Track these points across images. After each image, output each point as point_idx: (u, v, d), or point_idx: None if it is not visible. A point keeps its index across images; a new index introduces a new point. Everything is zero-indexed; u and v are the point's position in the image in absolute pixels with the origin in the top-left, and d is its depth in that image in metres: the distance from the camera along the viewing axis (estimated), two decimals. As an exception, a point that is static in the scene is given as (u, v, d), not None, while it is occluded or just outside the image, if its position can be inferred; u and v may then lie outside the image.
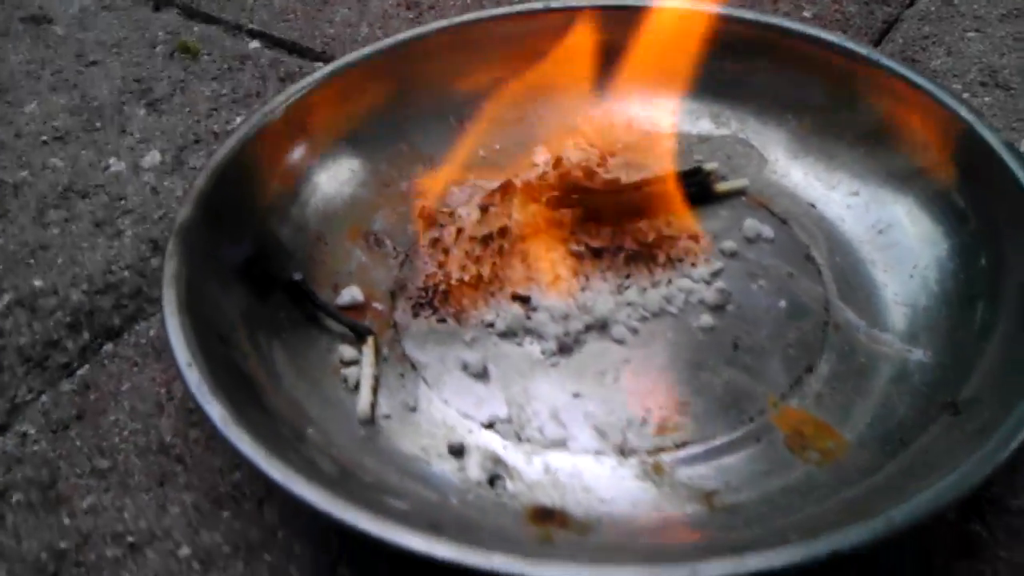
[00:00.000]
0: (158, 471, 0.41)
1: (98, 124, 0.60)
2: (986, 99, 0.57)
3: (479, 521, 0.33)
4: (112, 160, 0.57)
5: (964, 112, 0.41)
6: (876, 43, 0.63)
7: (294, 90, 0.45)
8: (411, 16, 0.68)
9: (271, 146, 0.44)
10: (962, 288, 0.38)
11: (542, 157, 0.48)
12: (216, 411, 0.32)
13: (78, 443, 0.42)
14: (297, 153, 0.45)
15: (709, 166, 0.47)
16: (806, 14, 0.65)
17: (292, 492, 0.30)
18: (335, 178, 0.46)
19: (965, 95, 0.57)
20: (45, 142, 0.59)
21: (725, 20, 0.48)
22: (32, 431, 0.43)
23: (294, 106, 0.45)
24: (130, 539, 0.38)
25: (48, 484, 0.41)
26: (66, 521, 0.39)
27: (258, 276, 0.42)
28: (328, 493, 0.30)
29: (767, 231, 0.44)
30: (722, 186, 0.46)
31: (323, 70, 0.46)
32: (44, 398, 0.44)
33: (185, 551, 0.38)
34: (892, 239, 0.42)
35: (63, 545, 0.39)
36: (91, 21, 0.71)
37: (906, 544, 0.35)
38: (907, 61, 0.60)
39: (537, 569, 0.27)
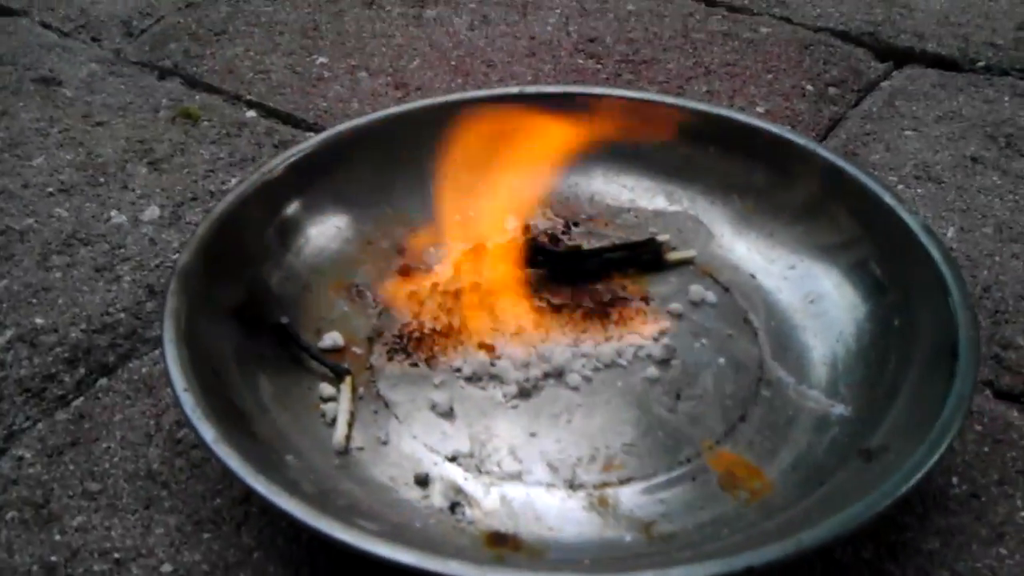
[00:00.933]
0: (145, 495, 0.44)
1: (102, 179, 0.65)
2: (919, 191, 0.63)
3: (440, 541, 0.37)
4: (114, 213, 0.61)
5: (887, 197, 0.46)
6: (822, 138, 0.69)
7: (291, 153, 0.50)
8: (399, 95, 0.73)
9: (267, 202, 0.49)
10: (878, 349, 0.43)
11: (512, 224, 0.53)
12: (208, 432, 0.36)
13: (71, 467, 0.46)
14: (290, 210, 0.49)
15: (661, 238, 0.52)
16: (759, 109, 0.71)
17: (273, 503, 0.34)
18: (323, 234, 0.51)
19: (900, 187, 0.63)
20: (51, 193, 0.63)
21: (681, 110, 0.54)
22: (28, 455, 0.46)
23: (290, 167, 0.49)
24: (116, 555, 0.42)
25: (41, 504, 0.44)
26: (57, 537, 0.43)
27: (249, 318, 0.46)
28: (306, 506, 0.34)
29: (711, 296, 0.49)
30: (672, 256, 0.51)
31: (318, 137, 0.51)
32: (40, 426, 0.48)
33: (167, 568, 0.41)
34: (821, 308, 0.47)
35: (53, 559, 0.42)
36: (99, 85, 0.76)
37: None
38: (848, 155, 0.66)
39: (488, 573, 0.31)
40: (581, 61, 0.78)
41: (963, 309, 0.41)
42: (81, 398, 0.49)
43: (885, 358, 0.43)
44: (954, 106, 0.72)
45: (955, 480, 0.44)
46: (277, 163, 0.49)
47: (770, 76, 0.75)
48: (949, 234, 0.59)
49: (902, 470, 0.35)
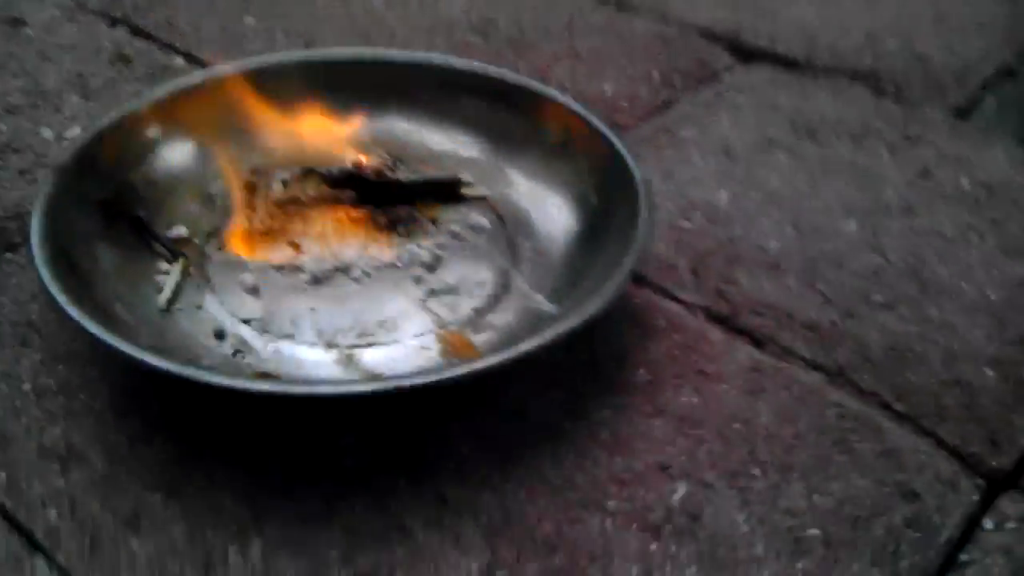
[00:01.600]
0: (21, 336, 0.58)
1: (40, 104, 0.78)
2: (711, 162, 0.75)
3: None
4: (43, 129, 0.75)
5: (619, 147, 0.59)
6: (651, 116, 0.81)
7: (171, 85, 0.64)
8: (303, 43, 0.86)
9: (139, 123, 0.62)
10: (581, 259, 0.56)
11: (349, 158, 0.66)
12: (46, 273, 0.50)
13: (-30, 314, 0.59)
14: (155, 131, 0.63)
15: (465, 178, 0.65)
16: (605, 88, 0.84)
17: (84, 329, 0.47)
18: (187, 153, 0.64)
19: (696, 157, 0.75)
20: (-2, 113, 0.77)
21: (497, 81, 0.67)
22: (-60, 304, 0.60)
23: (168, 97, 0.63)
24: (-10, 375, 0.55)
25: (-57, 338, 0.58)
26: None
27: (113, 212, 0.59)
28: (111, 334, 0.47)
29: (485, 224, 0.62)
30: (469, 191, 0.64)
31: (188, 78, 0.65)
32: (-44, 283, 0.62)
33: (27, 387, 0.55)
34: (565, 235, 0.60)
35: (4, 370, 0.55)
36: (57, 28, 0.90)
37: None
38: (664, 131, 0.78)
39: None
40: (471, 39, 0.91)
41: (641, 237, 0.53)
42: (-11, 266, 0.63)
43: (583, 268, 0.55)
44: (774, 98, 0.84)
45: (641, 371, 0.57)
46: (149, 95, 0.63)
47: (626, 63, 0.88)
48: (722, 197, 0.71)
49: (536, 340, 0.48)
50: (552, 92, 0.66)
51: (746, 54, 0.91)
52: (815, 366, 0.56)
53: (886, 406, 0.54)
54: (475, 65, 0.69)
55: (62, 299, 0.48)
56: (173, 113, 0.64)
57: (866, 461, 0.50)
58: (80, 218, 0.56)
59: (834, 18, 0.96)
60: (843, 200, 0.70)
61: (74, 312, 0.47)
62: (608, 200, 0.58)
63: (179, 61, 0.85)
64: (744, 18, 0.96)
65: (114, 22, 0.91)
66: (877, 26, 0.95)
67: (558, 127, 0.64)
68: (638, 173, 0.58)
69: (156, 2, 0.94)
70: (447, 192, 0.64)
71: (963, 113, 0.83)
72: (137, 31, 0.90)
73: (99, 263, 0.55)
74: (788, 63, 0.89)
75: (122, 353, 0.47)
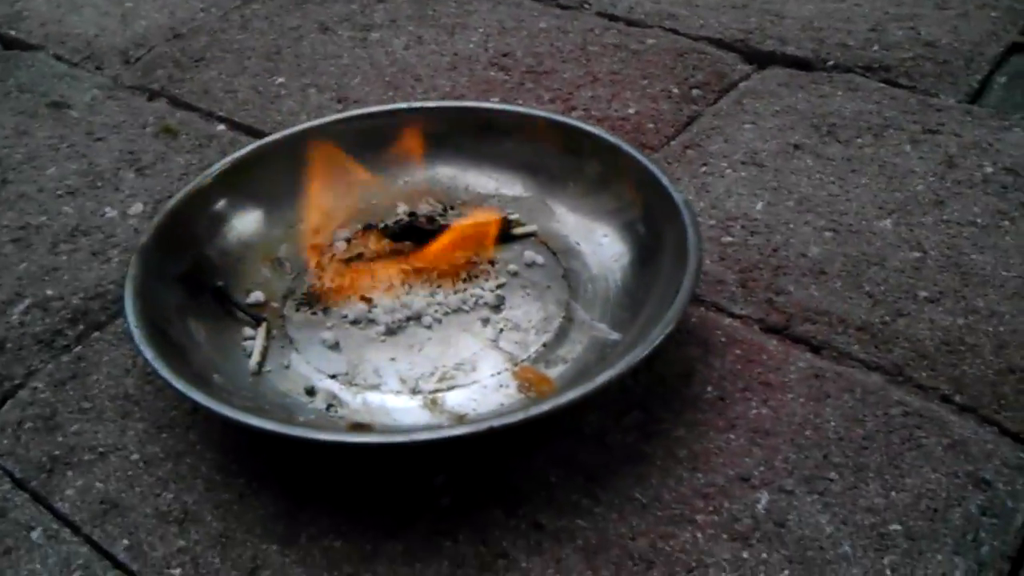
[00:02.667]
0: (122, 410, 0.62)
1: (99, 184, 0.82)
2: (742, 173, 0.78)
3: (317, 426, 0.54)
4: (107, 209, 0.79)
5: (660, 176, 0.62)
6: (678, 133, 0.84)
7: (226, 161, 0.68)
8: (340, 108, 0.90)
9: (205, 198, 0.66)
10: (638, 287, 0.60)
11: (402, 208, 0.70)
12: (149, 353, 0.53)
13: (71, 393, 0.63)
14: (222, 203, 0.67)
15: (512, 216, 0.68)
16: (630, 110, 0.87)
17: (191, 397, 0.51)
18: (251, 221, 0.68)
19: (728, 170, 0.79)
20: (60, 196, 0.81)
21: (534, 119, 0.71)
22: (40, 386, 0.64)
23: (222, 172, 0.67)
24: (100, 449, 0.59)
25: (49, 417, 0.62)
26: (59, 439, 0.60)
27: (193, 283, 0.63)
28: (216, 400, 0.51)
29: (540, 259, 0.66)
30: (518, 230, 0.68)
31: (242, 150, 0.68)
32: (50, 366, 0.65)
33: (135, 456, 0.59)
34: (618, 263, 0.64)
35: (56, 453, 0.59)
36: (99, 107, 0.94)
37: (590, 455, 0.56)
38: (692, 146, 0.82)
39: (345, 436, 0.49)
40: (493, 73, 0.94)
41: (693, 259, 0.57)
42: (80, 346, 0.67)
43: (641, 294, 0.59)
44: (792, 101, 0.87)
45: (709, 388, 0.60)
46: (213, 170, 0.67)
47: (645, 82, 0.91)
48: (757, 207, 0.75)
49: (612, 371, 0.51)
50: (587, 126, 0.69)
51: (759, 59, 0.94)
52: (874, 367, 0.59)
53: (947, 399, 0.57)
54: (508, 107, 0.73)
55: (166, 373, 0.52)
56: (235, 184, 0.67)
57: (935, 454, 0.54)
58: (166, 294, 0.60)
59: (837, 12, 0.99)
60: (874, 198, 0.73)
61: (180, 385, 0.51)
62: (655, 227, 0.62)
63: (221, 128, 0.89)
64: (751, 23, 0.99)
65: (152, 95, 0.95)
66: (880, 16, 0.98)
67: (596, 160, 0.68)
68: (679, 198, 0.61)
69: (188, 70, 0.98)
70: (500, 231, 0.67)
71: (976, 96, 0.86)
72: (176, 102, 0.94)
73: (191, 335, 0.59)
74: (800, 63, 0.93)
75: (230, 418, 0.50)
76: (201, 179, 0.66)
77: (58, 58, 1.04)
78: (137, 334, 0.54)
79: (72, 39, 1.07)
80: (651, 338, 0.52)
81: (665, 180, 0.62)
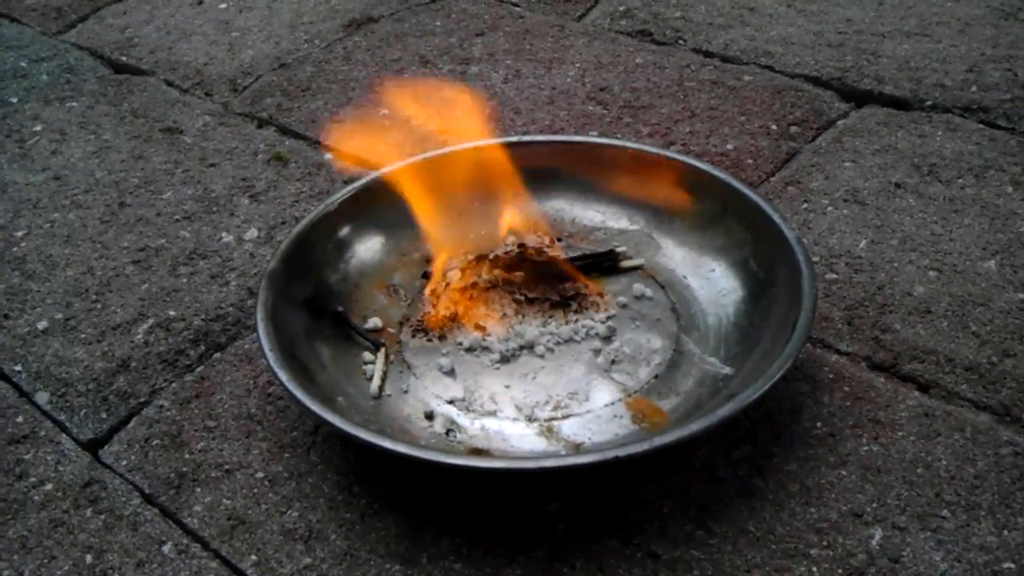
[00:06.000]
0: (246, 429, 0.64)
1: (215, 209, 0.86)
2: (844, 211, 0.79)
3: (437, 450, 0.56)
4: (224, 234, 0.82)
5: (772, 214, 0.64)
6: (777, 169, 0.85)
7: (347, 190, 0.70)
8: (442, 139, 0.93)
9: (329, 226, 0.69)
10: (750, 322, 0.61)
11: (511, 239, 0.72)
12: (283, 375, 0.56)
13: (196, 411, 0.66)
14: (344, 231, 0.69)
15: (619, 250, 0.70)
16: (729, 146, 0.88)
17: (325, 419, 0.53)
18: (370, 248, 0.71)
19: (829, 208, 0.79)
20: (177, 220, 0.85)
21: (641, 153, 0.72)
22: (166, 404, 0.67)
23: (345, 201, 0.70)
24: (226, 467, 0.62)
25: (176, 435, 0.65)
26: (186, 456, 0.63)
27: (315, 308, 0.66)
28: (347, 422, 0.53)
29: (649, 292, 0.67)
30: (626, 263, 0.69)
31: (363, 179, 0.71)
32: (174, 385, 0.69)
33: (260, 475, 0.61)
34: (727, 298, 0.65)
35: (184, 469, 0.62)
36: (211, 133, 0.98)
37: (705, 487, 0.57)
38: (792, 183, 0.83)
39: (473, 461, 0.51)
40: (591, 108, 0.96)
41: (808, 294, 0.58)
42: (202, 366, 0.70)
43: (754, 330, 0.60)
44: (891, 140, 0.87)
45: (819, 424, 0.61)
46: (336, 198, 0.69)
47: (743, 118, 0.92)
48: (861, 245, 0.75)
49: (737, 398, 0.52)
50: (696, 162, 0.71)
51: (856, 98, 0.95)
52: (982, 407, 0.60)
53: (1057, 441, 0.57)
54: (614, 142, 0.75)
55: (301, 395, 0.54)
56: (356, 212, 0.70)
57: (1048, 495, 0.54)
58: (293, 317, 0.63)
59: (933, 52, 1.00)
60: (977, 239, 0.74)
61: (316, 407, 0.54)
62: (767, 264, 0.63)
63: (329, 156, 0.92)
64: (847, 61, 1.00)
65: (261, 123, 0.99)
66: (977, 57, 0.98)
67: (705, 195, 0.69)
68: (792, 236, 0.62)
69: (295, 99, 1.02)
70: (606, 264, 0.69)
71: (1078, 139, 0.86)
72: (284, 130, 0.97)
73: (318, 357, 0.61)
74: (898, 103, 0.93)
75: (366, 441, 0.52)
76: (325, 206, 0.69)
77: (169, 84, 1.08)
78: (271, 357, 0.57)
79: (182, 66, 1.11)
80: (769, 374, 0.53)
81: (777, 217, 0.64)
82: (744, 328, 0.62)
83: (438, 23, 1.15)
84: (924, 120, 0.90)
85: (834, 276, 0.72)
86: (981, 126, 0.88)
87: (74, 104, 1.05)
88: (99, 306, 0.76)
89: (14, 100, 1.06)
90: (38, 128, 1.01)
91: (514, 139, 0.77)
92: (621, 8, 1.15)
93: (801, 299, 0.58)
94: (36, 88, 1.08)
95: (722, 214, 0.68)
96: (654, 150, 0.73)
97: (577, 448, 0.57)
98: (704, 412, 0.54)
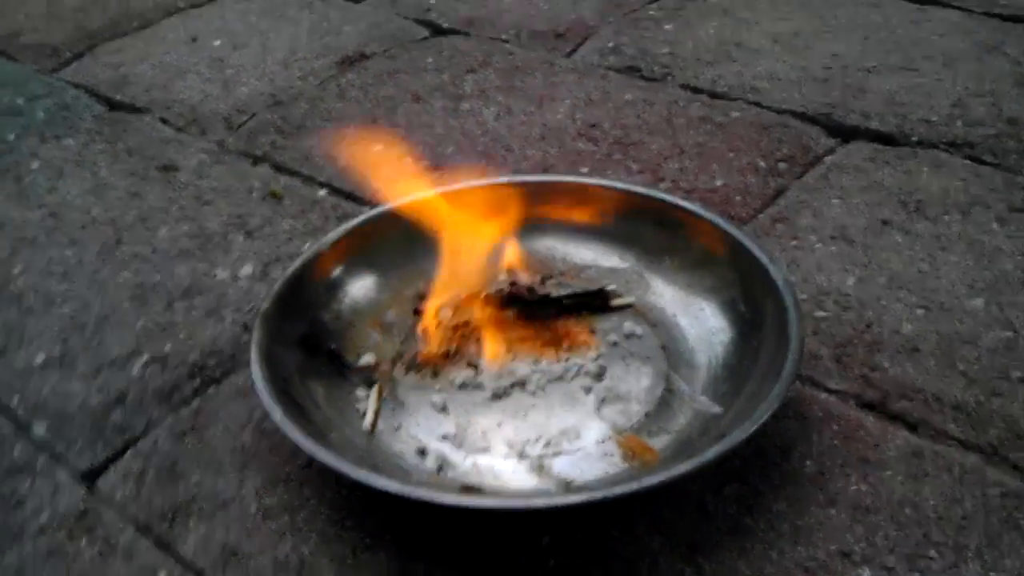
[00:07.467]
0: (239, 462, 0.65)
1: (210, 246, 0.87)
2: (832, 248, 0.80)
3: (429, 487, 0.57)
4: (219, 270, 0.83)
5: (758, 253, 0.65)
6: (765, 207, 0.87)
7: (340, 230, 0.71)
8: (435, 176, 0.94)
9: (321, 266, 0.70)
10: (738, 362, 0.62)
11: (502, 277, 0.73)
12: (276, 413, 0.57)
13: (190, 445, 0.67)
14: (337, 271, 0.70)
15: (610, 288, 0.71)
16: (717, 183, 0.90)
17: (318, 457, 0.54)
18: (363, 287, 0.71)
19: (818, 245, 0.81)
20: (173, 256, 0.86)
21: (628, 194, 0.73)
22: (161, 437, 0.67)
23: (337, 241, 0.71)
24: (220, 499, 0.62)
25: (170, 467, 0.65)
26: (181, 488, 0.63)
27: (310, 346, 0.67)
28: (339, 458, 0.54)
29: (639, 331, 0.68)
30: (616, 301, 0.70)
31: (356, 218, 0.72)
32: (169, 418, 0.69)
33: (253, 508, 0.62)
34: (717, 338, 0.66)
35: (179, 501, 0.62)
36: (206, 171, 0.99)
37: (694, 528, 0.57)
38: (781, 220, 0.84)
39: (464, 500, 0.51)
40: (581, 145, 0.98)
41: (795, 339, 0.59)
42: (197, 400, 0.70)
43: (743, 369, 0.61)
44: (878, 177, 0.89)
45: (808, 463, 0.61)
46: (329, 237, 0.71)
47: (731, 155, 0.94)
48: (849, 282, 0.76)
49: (722, 445, 0.53)
50: (683, 202, 0.72)
51: (843, 133, 0.96)
52: (970, 447, 0.61)
53: (1044, 481, 0.58)
54: (603, 181, 0.76)
55: (296, 435, 0.55)
56: (349, 252, 0.71)
57: (1035, 535, 0.55)
58: (287, 355, 0.63)
59: (918, 87, 1.01)
60: (964, 276, 0.75)
61: (308, 444, 0.54)
62: (755, 304, 0.64)
63: (323, 193, 0.93)
64: (834, 96, 1.01)
65: (256, 160, 1.00)
66: (961, 92, 1.00)
67: (693, 234, 0.70)
68: (780, 277, 0.63)
69: (290, 136, 1.03)
70: (596, 302, 0.70)
71: (1062, 175, 0.87)
72: (279, 167, 0.98)
73: (311, 394, 0.62)
74: (884, 138, 0.94)
75: (355, 478, 0.53)
76: (319, 246, 0.70)
77: (164, 122, 1.09)
78: (265, 397, 0.58)
79: (177, 104, 1.12)
80: (758, 414, 0.54)
81: (765, 259, 0.65)
82: (733, 367, 0.63)
83: (430, 60, 1.16)
84: (910, 156, 0.91)
85: (823, 314, 0.73)
86: (967, 162, 0.90)
87: (71, 142, 1.06)
88: (95, 342, 0.76)
89: (11, 137, 1.07)
90: (35, 165, 1.02)
91: (505, 179, 0.79)
92: (610, 44, 1.16)
93: (788, 342, 0.59)
94: (33, 126, 1.09)
95: (711, 254, 0.69)
96: (643, 190, 0.74)
97: (567, 485, 0.57)
98: (693, 451, 0.54)
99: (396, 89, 1.10)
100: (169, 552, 0.59)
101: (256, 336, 0.62)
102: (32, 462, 0.66)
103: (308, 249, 0.71)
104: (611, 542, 0.57)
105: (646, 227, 0.73)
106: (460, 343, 0.67)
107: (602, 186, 0.75)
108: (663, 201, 0.73)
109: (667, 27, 1.20)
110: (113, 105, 1.14)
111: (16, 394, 0.72)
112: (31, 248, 0.88)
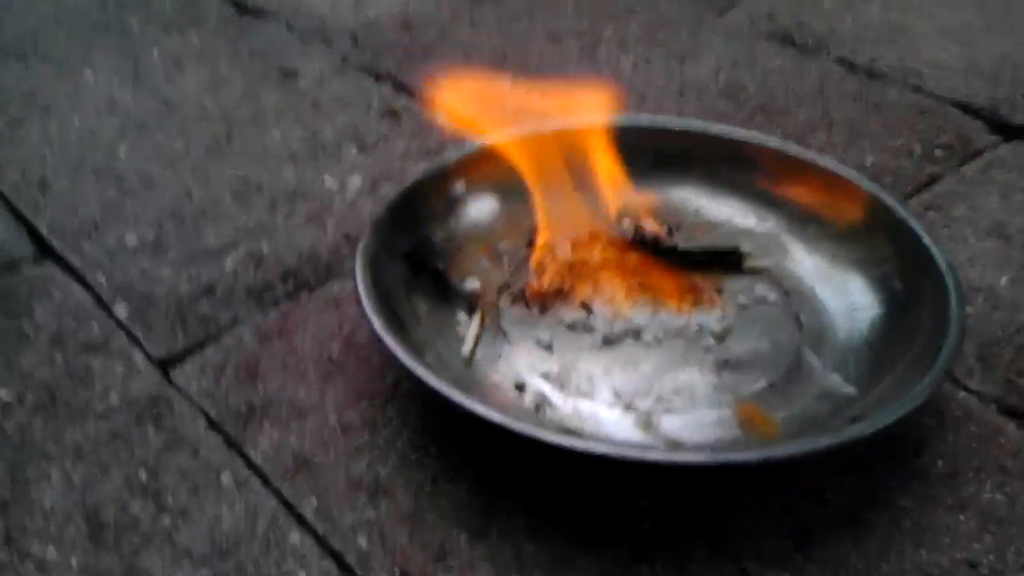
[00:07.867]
0: (324, 372, 0.61)
1: (320, 154, 0.83)
2: (987, 244, 0.73)
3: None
4: (327, 178, 0.80)
5: (912, 222, 0.58)
6: (918, 191, 0.79)
7: (464, 149, 0.67)
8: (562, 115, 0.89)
9: (441, 183, 0.65)
10: (886, 345, 0.55)
11: (627, 223, 0.67)
12: (377, 323, 0.52)
13: (275, 348, 0.63)
14: (457, 189, 0.66)
15: (745, 248, 0.65)
16: (867, 161, 0.83)
17: (416, 374, 0.50)
18: (480, 210, 0.67)
19: (971, 239, 0.73)
20: (282, 159, 0.82)
21: (775, 153, 0.67)
22: (246, 335, 0.64)
23: (460, 160, 0.66)
24: (298, 407, 0.59)
25: (252, 368, 0.62)
26: (260, 390, 0.60)
27: (416, 262, 0.62)
28: (432, 375, 0.50)
29: (772, 297, 0.62)
30: (750, 264, 0.64)
31: (480, 142, 0.68)
32: (258, 318, 0.66)
33: (332, 420, 0.58)
34: (861, 315, 0.59)
35: (255, 402, 0.59)
36: (327, 81, 0.95)
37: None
38: (933, 207, 0.77)
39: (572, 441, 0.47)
40: (722, 105, 0.91)
41: (955, 322, 0.52)
42: (288, 303, 0.67)
43: (889, 353, 0.54)
44: (1046, 174, 0.81)
45: (940, 463, 0.55)
46: (453, 154, 0.66)
47: (885, 135, 0.86)
48: (1002, 281, 0.69)
49: (857, 428, 0.47)
50: (844, 170, 0.65)
51: (1007, 131, 0.88)
52: None
53: None
54: (755, 137, 0.70)
55: (396, 348, 0.51)
56: (470, 172, 0.66)
57: None
58: (391, 269, 0.59)
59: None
60: None
61: (407, 360, 0.50)
62: (913, 286, 0.57)
63: (443, 118, 0.89)
64: (1002, 92, 0.93)
65: (379, 77, 0.96)
66: None
67: (848, 205, 0.64)
68: (943, 260, 0.57)
69: (415, 59, 0.99)
70: (728, 262, 0.64)
71: None
72: (401, 87, 0.94)
73: (415, 310, 0.58)
74: (1053, 143, 0.86)
75: (454, 401, 0.49)
76: (441, 161, 0.66)
77: (290, 27, 1.06)
78: (368, 304, 0.54)
79: (304, 15, 1.09)
80: (902, 404, 0.48)
81: (927, 240, 0.58)
82: (876, 349, 0.56)
83: (570, 2, 1.11)
84: (1082, 163, 0.83)
85: (971, 309, 0.65)
86: None
87: (194, 36, 1.04)
88: (192, 231, 0.73)
89: (135, 24, 1.05)
90: (155, 53, 1.00)
91: (645, 122, 0.73)
92: (765, 11, 1.09)
93: (947, 329, 0.52)
94: (158, 16, 1.07)
95: (866, 226, 0.62)
96: (797, 150, 0.68)
97: (676, 445, 0.52)
98: (824, 430, 0.49)
99: (531, 26, 1.05)
100: (238, 452, 0.56)
101: (364, 242, 0.58)
102: (108, 342, 0.64)
103: (429, 164, 0.66)
104: (715, 513, 0.52)
105: (794, 190, 0.67)
106: (575, 282, 0.61)
107: (750, 142, 0.69)
108: (818, 164, 0.66)
109: (826, 5, 1.12)
110: (242, 8, 1.12)
111: (103, 272, 0.70)
112: (140, 132, 0.86)
